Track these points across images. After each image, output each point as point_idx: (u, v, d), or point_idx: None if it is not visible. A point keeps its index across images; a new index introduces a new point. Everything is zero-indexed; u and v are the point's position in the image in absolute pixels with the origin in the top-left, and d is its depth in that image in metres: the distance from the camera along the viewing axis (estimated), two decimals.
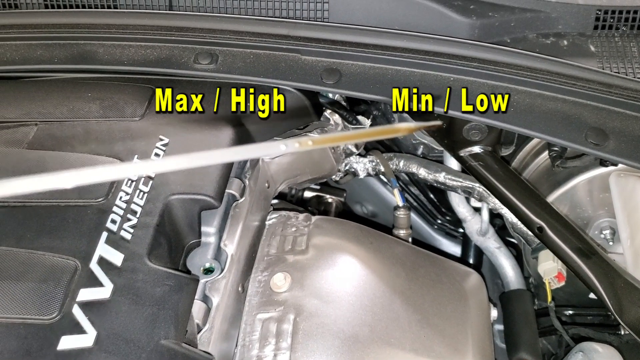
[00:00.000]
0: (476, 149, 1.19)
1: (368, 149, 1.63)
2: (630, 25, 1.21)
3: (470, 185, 1.31)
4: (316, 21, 1.20)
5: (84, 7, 1.23)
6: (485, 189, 1.25)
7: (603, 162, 1.17)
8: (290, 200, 1.54)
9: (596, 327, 1.30)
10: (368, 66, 1.12)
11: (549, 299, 1.26)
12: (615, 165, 1.16)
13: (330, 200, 1.56)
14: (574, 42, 1.19)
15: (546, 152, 1.27)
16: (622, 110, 1.06)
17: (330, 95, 1.30)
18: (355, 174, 1.47)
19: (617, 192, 1.15)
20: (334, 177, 1.43)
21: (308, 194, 1.55)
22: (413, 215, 1.76)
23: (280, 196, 1.51)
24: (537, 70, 1.09)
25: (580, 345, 1.06)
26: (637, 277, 1.04)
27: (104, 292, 0.84)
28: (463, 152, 1.20)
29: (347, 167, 1.46)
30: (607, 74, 1.09)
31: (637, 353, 1.11)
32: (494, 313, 1.15)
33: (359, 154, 1.48)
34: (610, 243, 1.24)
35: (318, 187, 1.56)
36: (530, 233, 1.19)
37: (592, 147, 1.03)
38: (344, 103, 1.33)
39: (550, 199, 1.27)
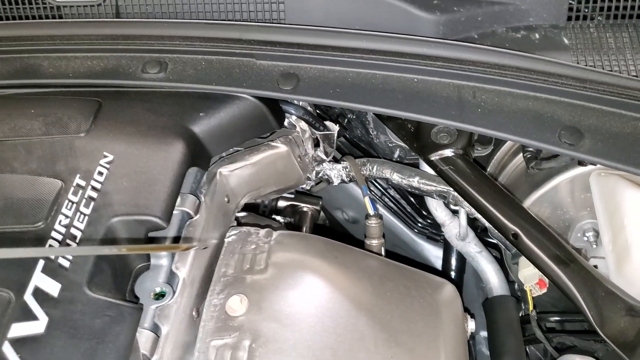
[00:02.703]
0: (447, 152, 1.12)
1: (342, 153, 1.57)
2: (606, 14, 1.14)
3: (445, 190, 1.24)
4: (271, 23, 1.13)
5: (26, 17, 1.17)
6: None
7: (581, 162, 1.10)
8: (264, 211, 1.48)
9: (582, 335, 1.24)
10: (327, 69, 1.06)
11: (531, 307, 1.20)
12: (595, 164, 1.09)
13: (305, 209, 1.50)
14: (546, 35, 1.12)
15: None
16: (598, 106, 0.99)
17: (295, 100, 1.23)
18: (329, 181, 1.41)
19: (598, 192, 1.09)
20: (304, 186, 1.37)
21: (282, 204, 1.49)
22: (394, 220, 1.69)
23: (253, 207, 1.45)
24: (506, 67, 1.02)
25: (561, 358, 0.99)
26: (619, 284, 0.97)
27: (39, 326, 0.78)
28: (434, 156, 1.13)
29: (320, 175, 1.40)
30: (582, 68, 1.03)
31: None
32: (472, 325, 1.08)
33: (333, 160, 1.41)
34: (594, 246, 1.18)
35: (292, 195, 1.50)
36: None
37: (567, 148, 0.96)
38: (309, 108, 1.27)
39: (530, 200, 1.20)
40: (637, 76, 1.04)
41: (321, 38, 1.07)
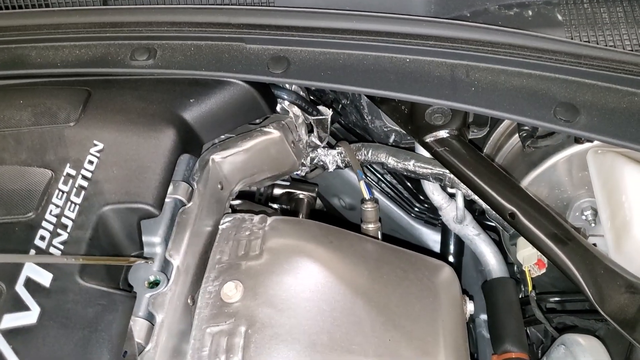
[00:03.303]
0: (442, 133, 1.11)
1: (338, 139, 1.56)
2: None
3: (441, 172, 1.23)
4: (260, 6, 1.11)
5: (13, 7, 1.15)
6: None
7: (578, 139, 1.09)
8: (260, 199, 1.47)
9: (583, 314, 1.23)
10: (318, 52, 1.05)
11: (530, 287, 1.19)
12: (591, 141, 1.08)
13: (301, 196, 1.49)
14: (539, 11, 1.11)
15: None
16: (593, 81, 0.98)
17: (287, 85, 1.22)
18: (324, 167, 1.40)
19: (595, 169, 1.07)
20: (299, 172, 1.35)
21: (277, 191, 1.48)
22: (391, 205, 1.68)
23: (248, 195, 1.43)
24: (499, 45, 1.01)
25: (562, 338, 0.99)
26: (619, 261, 0.96)
27: (30, 316, 0.77)
28: (428, 138, 1.12)
29: (315, 161, 1.39)
30: (576, 43, 1.01)
31: (624, 341, 1.03)
32: (470, 307, 1.07)
33: (328, 146, 1.40)
34: (593, 224, 1.17)
35: (288, 183, 1.49)
36: None
37: (562, 124, 0.95)
38: (302, 93, 1.25)
39: (527, 180, 1.19)
40: (632, 50, 1.02)
41: (311, 20, 1.05)
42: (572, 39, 1.06)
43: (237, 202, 1.29)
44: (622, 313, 0.88)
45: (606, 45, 1.04)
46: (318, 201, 1.82)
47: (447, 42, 1.01)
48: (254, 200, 1.44)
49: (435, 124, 1.10)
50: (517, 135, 1.22)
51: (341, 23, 1.04)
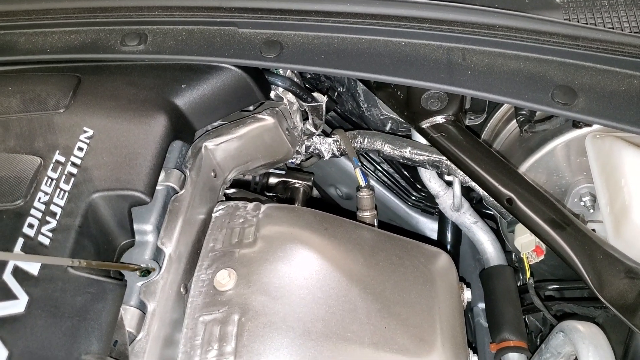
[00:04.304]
0: (438, 119, 1.09)
1: (334, 127, 1.54)
2: None
3: (438, 159, 1.21)
4: None
5: None
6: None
7: (576, 124, 1.08)
8: (255, 188, 1.46)
9: (582, 301, 1.22)
10: (312, 36, 1.03)
11: (528, 275, 1.17)
12: (590, 125, 1.06)
13: (297, 184, 1.47)
14: None
15: None
16: (591, 64, 0.96)
17: (281, 71, 1.20)
18: (320, 155, 1.38)
19: (594, 154, 1.06)
20: (294, 160, 1.33)
21: (273, 180, 1.47)
22: (388, 194, 1.67)
23: (243, 184, 1.42)
24: (496, 27, 0.99)
25: (560, 325, 0.97)
26: (618, 246, 0.94)
27: (19, 305, 0.76)
28: (425, 124, 1.10)
29: (311, 149, 1.37)
30: (574, 25, 0.99)
31: (624, 328, 1.02)
32: (467, 294, 1.06)
33: (324, 134, 1.38)
34: (591, 210, 1.15)
35: (284, 172, 1.47)
36: None
37: (560, 107, 0.93)
38: (296, 80, 1.23)
39: (525, 166, 1.18)
40: (631, 32, 1.00)
41: (305, 3, 1.03)
42: (569, 20, 1.04)
43: (232, 190, 1.28)
44: (621, 298, 0.87)
45: (604, 27, 1.02)
46: (315, 192, 1.80)
47: (443, 24, 0.99)
48: (249, 189, 1.42)
49: (431, 109, 1.08)
50: (514, 121, 1.21)
51: (335, 6, 1.02)
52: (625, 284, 0.87)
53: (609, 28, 1.01)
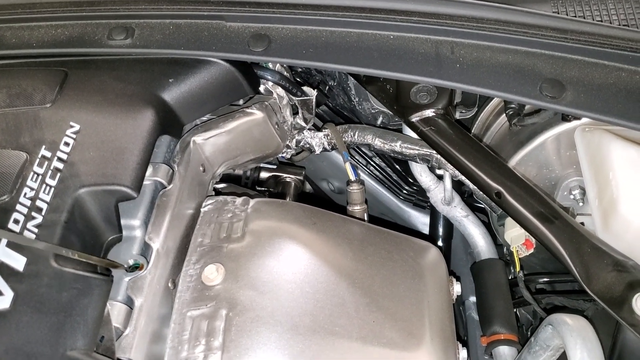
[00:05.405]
0: (427, 112, 1.09)
1: (325, 121, 1.53)
2: None
3: (428, 153, 1.21)
4: None
5: None
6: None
7: (565, 117, 1.07)
8: (246, 183, 1.45)
9: (571, 294, 1.22)
10: (300, 29, 1.02)
11: (517, 268, 1.18)
12: (579, 118, 1.06)
13: (288, 179, 1.46)
14: None
15: None
16: (580, 57, 0.96)
17: (271, 65, 1.20)
18: (311, 149, 1.38)
19: (583, 148, 1.06)
20: (285, 154, 1.33)
21: (264, 175, 1.46)
22: (380, 188, 1.67)
23: (234, 179, 1.41)
24: (484, 20, 0.98)
25: (549, 318, 0.97)
26: (606, 240, 0.95)
27: (4, 301, 0.75)
28: (414, 118, 1.10)
29: (302, 143, 1.37)
30: (562, 18, 0.99)
31: (613, 320, 1.02)
32: (457, 288, 1.06)
33: (314, 129, 1.38)
34: (581, 204, 1.15)
35: (275, 166, 1.47)
36: None
37: (549, 101, 0.93)
38: (286, 74, 1.23)
39: (515, 159, 1.17)
40: (619, 25, 1.00)
41: None
42: (558, 13, 1.04)
43: (222, 185, 1.27)
44: (609, 291, 0.87)
45: (593, 20, 1.02)
46: (307, 186, 1.80)
47: (431, 17, 0.98)
48: (240, 184, 1.42)
49: (420, 103, 1.08)
50: (504, 115, 1.21)
51: None
52: (612, 276, 0.88)
53: (598, 21, 1.01)
